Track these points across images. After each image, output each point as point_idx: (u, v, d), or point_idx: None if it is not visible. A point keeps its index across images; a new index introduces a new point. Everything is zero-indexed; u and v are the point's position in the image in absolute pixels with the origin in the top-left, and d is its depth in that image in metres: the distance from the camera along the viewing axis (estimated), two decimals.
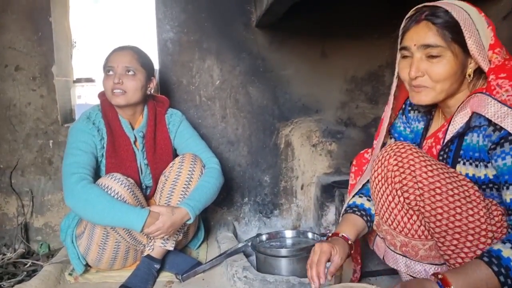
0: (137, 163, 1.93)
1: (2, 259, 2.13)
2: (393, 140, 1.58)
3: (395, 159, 1.27)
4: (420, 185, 1.22)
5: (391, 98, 1.48)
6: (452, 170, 1.25)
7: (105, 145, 1.88)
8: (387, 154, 1.29)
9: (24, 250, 2.26)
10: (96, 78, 2.52)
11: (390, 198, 1.33)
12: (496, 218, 1.20)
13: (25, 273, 2.03)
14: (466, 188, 1.21)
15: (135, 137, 1.95)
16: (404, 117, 1.53)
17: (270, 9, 1.94)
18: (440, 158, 1.32)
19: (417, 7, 1.27)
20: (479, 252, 1.19)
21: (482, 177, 1.22)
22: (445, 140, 1.29)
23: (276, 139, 2.48)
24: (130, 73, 1.84)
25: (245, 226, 2.49)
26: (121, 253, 1.87)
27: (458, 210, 1.19)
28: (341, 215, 1.54)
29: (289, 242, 2.10)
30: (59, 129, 2.32)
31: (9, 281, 1.95)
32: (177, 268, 1.92)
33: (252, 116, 2.44)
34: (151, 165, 1.96)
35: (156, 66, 2.41)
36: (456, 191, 1.20)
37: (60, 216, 2.34)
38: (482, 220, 1.18)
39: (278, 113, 2.45)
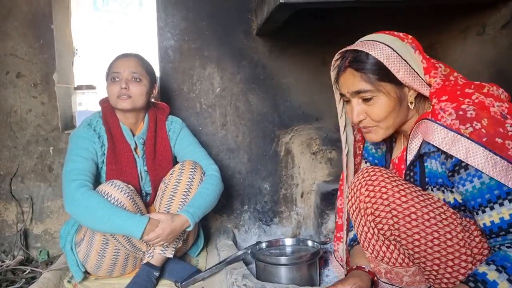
0: (138, 169, 1.94)
1: (1, 266, 2.12)
2: (368, 164, 1.57)
3: (366, 189, 1.26)
4: (394, 212, 1.21)
5: (342, 132, 1.48)
6: (426, 192, 1.24)
7: (105, 152, 1.88)
8: (359, 183, 1.29)
9: (23, 257, 2.25)
10: (97, 85, 2.52)
11: (365, 229, 1.32)
12: (477, 239, 1.19)
13: (24, 280, 2.02)
14: (442, 210, 1.20)
15: (136, 144, 1.95)
16: (364, 155, 1.56)
17: (271, 17, 1.95)
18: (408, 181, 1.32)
19: (340, 51, 1.31)
20: (461, 275, 1.18)
21: (452, 201, 1.21)
22: (407, 163, 1.28)
23: (276, 146, 2.48)
24: (136, 79, 1.88)
25: (245, 234, 2.49)
26: (121, 260, 1.87)
27: (436, 235, 1.18)
28: (346, 251, 1.54)
29: (288, 250, 2.09)
30: (59, 136, 2.33)
31: (8, 287, 1.94)
32: (177, 276, 1.92)
33: (252, 124, 2.44)
34: (151, 172, 1.96)
35: (157, 73, 2.41)
36: (432, 214, 1.19)
37: (59, 223, 2.34)
38: (461, 243, 1.18)
39: (278, 121, 2.46)
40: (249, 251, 2.01)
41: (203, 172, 1.94)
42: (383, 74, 1.20)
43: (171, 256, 1.85)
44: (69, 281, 1.91)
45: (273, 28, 2.18)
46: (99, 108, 1.99)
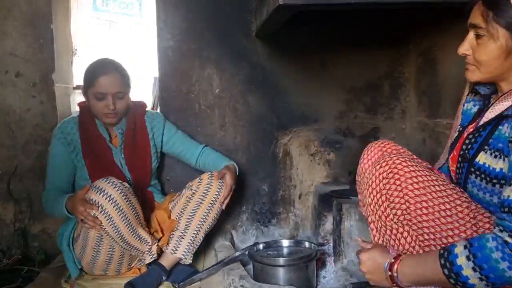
0: (115, 159, 2.03)
1: None
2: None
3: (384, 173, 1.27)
4: (407, 198, 1.22)
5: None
6: (442, 180, 1.25)
7: (79, 157, 1.99)
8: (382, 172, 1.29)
9: (21, 257, 2.25)
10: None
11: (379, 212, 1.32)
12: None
13: (21, 279, 2.02)
14: (455, 200, 1.21)
15: (110, 136, 2.05)
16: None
17: (270, 19, 1.95)
18: (467, 141, 1.29)
19: None
20: None
21: (497, 169, 1.18)
22: (478, 125, 1.27)
23: (275, 148, 2.48)
24: (120, 97, 1.98)
25: (243, 235, 2.49)
26: (116, 257, 1.88)
27: (443, 221, 1.21)
28: None
29: (286, 251, 2.09)
30: None
31: (5, 287, 1.94)
32: (174, 276, 1.92)
33: (250, 125, 2.44)
34: (127, 161, 2.04)
35: (156, 74, 2.42)
36: (446, 205, 1.20)
37: (57, 222, 2.33)
38: (469, 232, 1.19)
39: (277, 122, 2.46)
40: (246, 252, 2.02)
41: (225, 192, 2.02)
42: (507, 18, 1.15)
43: (190, 261, 1.98)
44: (66, 281, 1.91)
45: (272, 29, 2.18)
46: None
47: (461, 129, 1.41)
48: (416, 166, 1.25)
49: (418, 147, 2.36)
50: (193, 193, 2.00)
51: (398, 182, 1.23)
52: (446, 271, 1.09)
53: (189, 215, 1.97)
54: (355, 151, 2.50)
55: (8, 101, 2.30)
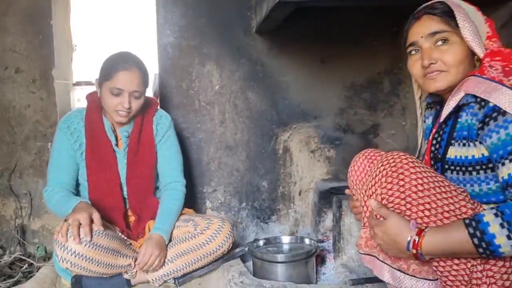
0: (117, 165, 1.93)
1: None
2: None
3: (386, 180, 1.25)
4: (409, 199, 1.21)
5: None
6: (447, 183, 1.23)
7: (82, 147, 1.90)
8: (384, 172, 1.27)
9: (21, 253, 2.25)
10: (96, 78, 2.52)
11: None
12: None
13: (21, 274, 2.02)
14: (461, 203, 1.20)
15: (117, 138, 1.95)
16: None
17: (270, 15, 1.95)
18: (434, 141, 1.34)
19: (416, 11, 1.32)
20: (468, 269, 1.18)
21: (469, 157, 1.22)
22: (438, 123, 1.31)
23: (275, 144, 2.48)
24: (137, 97, 1.86)
25: (243, 231, 2.49)
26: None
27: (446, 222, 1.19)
28: None
29: (286, 247, 2.10)
30: None
31: (5, 282, 1.95)
32: None
33: (250, 121, 2.44)
34: (129, 165, 1.95)
35: (156, 70, 2.42)
36: (447, 208, 1.19)
37: (57, 219, 2.32)
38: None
39: (277, 119, 2.46)
40: (246, 249, 2.02)
41: (229, 244, 1.91)
42: (460, 24, 1.24)
43: (157, 285, 1.89)
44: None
45: (272, 26, 2.18)
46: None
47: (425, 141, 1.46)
48: (421, 166, 1.24)
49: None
50: (193, 235, 1.87)
51: (401, 183, 1.21)
52: (476, 241, 1.08)
53: (180, 252, 1.87)
54: (355, 148, 2.50)
55: (8, 97, 2.30)
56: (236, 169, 2.46)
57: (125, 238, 1.90)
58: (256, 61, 2.41)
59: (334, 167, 2.52)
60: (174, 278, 1.88)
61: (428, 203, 1.19)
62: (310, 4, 1.82)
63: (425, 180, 1.21)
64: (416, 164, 1.24)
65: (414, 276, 1.25)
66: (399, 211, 1.23)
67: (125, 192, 1.96)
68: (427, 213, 1.20)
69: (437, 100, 1.42)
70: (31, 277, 1.93)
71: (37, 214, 2.36)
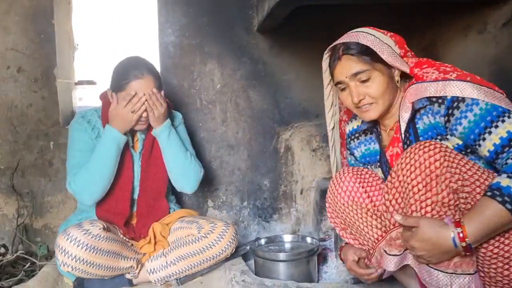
0: (133, 166, 1.94)
1: (1, 260, 2.13)
2: (352, 157, 1.68)
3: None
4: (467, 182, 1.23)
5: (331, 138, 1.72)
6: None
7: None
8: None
9: (23, 251, 2.25)
10: (97, 80, 2.53)
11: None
12: None
13: (23, 273, 2.03)
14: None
15: (133, 139, 1.96)
16: (348, 151, 1.67)
17: (271, 13, 1.95)
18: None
19: (330, 46, 1.48)
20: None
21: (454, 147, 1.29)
22: (402, 134, 1.39)
23: (276, 143, 2.48)
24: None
25: (244, 230, 2.49)
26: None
27: None
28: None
29: (287, 246, 2.10)
30: (60, 131, 2.33)
31: (7, 281, 1.95)
32: None
33: (252, 120, 2.44)
34: (143, 167, 1.96)
35: (158, 69, 2.42)
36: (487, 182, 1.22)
37: (59, 217, 2.34)
38: None
39: (279, 117, 2.46)
40: (248, 247, 2.02)
41: (232, 248, 1.89)
42: (374, 56, 1.36)
43: (154, 283, 1.88)
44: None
45: (274, 24, 2.18)
46: (99, 103, 1.99)
47: (374, 164, 1.54)
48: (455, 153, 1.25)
49: None
50: (197, 239, 1.85)
51: (453, 167, 1.21)
52: (499, 198, 1.12)
53: (182, 254, 1.86)
54: None
55: (10, 96, 2.30)
56: (237, 168, 2.46)
57: (127, 239, 1.90)
58: (257, 60, 2.41)
59: None
60: (176, 278, 1.89)
61: (479, 186, 1.22)
62: (310, 2, 1.82)
63: (471, 163, 1.23)
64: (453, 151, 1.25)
65: (455, 273, 1.20)
66: (464, 193, 1.22)
67: (136, 194, 1.97)
68: (478, 190, 1.21)
69: (370, 125, 1.53)
70: (33, 275, 1.93)
71: (39, 213, 2.36)
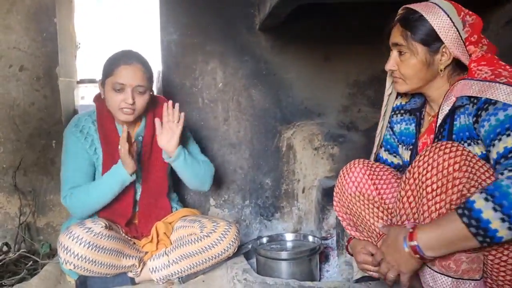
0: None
1: (4, 258, 2.13)
2: (382, 149, 1.64)
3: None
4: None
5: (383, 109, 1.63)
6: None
7: (98, 152, 1.90)
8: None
9: (25, 250, 2.26)
10: (99, 79, 2.53)
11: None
12: None
13: (26, 271, 2.03)
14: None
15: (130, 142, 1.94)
16: (388, 124, 1.62)
17: (273, 12, 1.95)
18: None
19: (403, 6, 1.41)
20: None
21: (479, 153, 1.25)
22: (436, 127, 1.35)
23: (278, 142, 2.48)
24: (141, 92, 1.84)
25: (246, 229, 2.49)
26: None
27: None
28: None
29: (289, 245, 2.10)
30: (62, 129, 2.31)
31: (10, 279, 1.96)
32: None
33: (254, 119, 2.44)
34: (144, 168, 1.96)
35: (159, 67, 2.42)
36: None
37: (62, 216, 2.35)
38: None
39: (280, 116, 2.46)
40: (250, 246, 2.02)
41: (234, 247, 1.88)
42: (422, 36, 1.33)
43: (160, 284, 1.89)
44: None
45: (275, 23, 2.18)
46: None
47: (406, 146, 1.52)
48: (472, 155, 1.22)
49: None
50: (199, 238, 1.85)
51: (475, 177, 1.18)
52: (465, 219, 1.08)
53: (185, 253, 1.85)
54: (359, 145, 2.50)
55: (12, 95, 2.31)
56: (239, 167, 2.46)
57: (129, 238, 1.90)
58: (259, 59, 2.41)
59: (337, 164, 2.51)
60: (178, 277, 1.89)
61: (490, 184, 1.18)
62: (312, 1, 1.81)
63: (488, 165, 1.21)
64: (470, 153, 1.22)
65: (461, 278, 1.20)
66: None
67: (138, 195, 1.97)
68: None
69: (415, 107, 1.50)
70: (35, 274, 1.94)
71: (41, 211, 2.37)
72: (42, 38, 2.30)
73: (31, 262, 2.10)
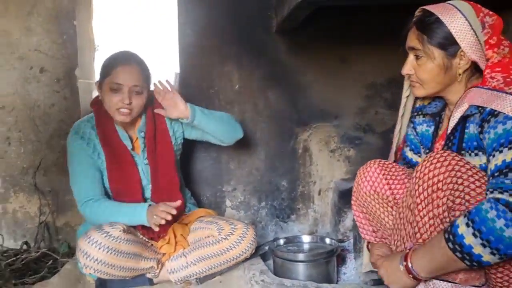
0: (138, 168, 1.94)
1: (26, 257, 2.17)
2: (408, 148, 1.63)
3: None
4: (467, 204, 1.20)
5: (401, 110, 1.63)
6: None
7: (102, 157, 1.90)
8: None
9: (45, 249, 2.29)
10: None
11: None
12: None
13: (46, 269, 2.07)
14: None
15: (132, 141, 1.96)
16: (411, 123, 1.61)
17: (291, 14, 1.95)
18: None
19: (421, 7, 1.38)
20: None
21: (483, 165, 1.24)
22: (446, 135, 1.35)
23: (294, 144, 2.48)
24: (138, 92, 1.85)
25: (262, 230, 2.50)
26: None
27: None
28: None
29: (306, 247, 2.10)
30: None
31: (31, 277, 1.99)
32: None
33: (270, 121, 2.45)
34: (151, 165, 1.96)
35: (177, 69, 2.44)
36: None
37: (80, 216, 2.35)
38: None
39: (297, 118, 2.46)
40: (267, 247, 2.03)
41: (252, 249, 1.88)
42: (439, 39, 1.30)
43: (174, 281, 1.90)
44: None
45: (293, 25, 2.18)
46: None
47: (425, 149, 1.53)
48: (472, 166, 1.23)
49: None
50: (218, 240, 1.85)
51: (461, 187, 1.19)
52: (450, 244, 1.10)
53: (203, 255, 1.86)
54: (375, 148, 2.49)
55: (33, 97, 2.35)
56: (255, 168, 2.47)
57: (147, 240, 1.92)
58: (276, 61, 2.41)
59: (354, 166, 2.51)
60: (196, 278, 1.90)
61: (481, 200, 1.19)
62: (332, 3, 1.81)
63: (481, 181, 1.20)
64: (469, 165, 1.22)
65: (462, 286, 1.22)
66: (458, 212, 1.20)
67: (148, 193, 1.98)
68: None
69: (435, 111, 1.49)
70: (55, 272, 1.97)
71: (61, 211, 2.40)
72: (62, 40, 2.34)
73: (51, 260, 2.13)
